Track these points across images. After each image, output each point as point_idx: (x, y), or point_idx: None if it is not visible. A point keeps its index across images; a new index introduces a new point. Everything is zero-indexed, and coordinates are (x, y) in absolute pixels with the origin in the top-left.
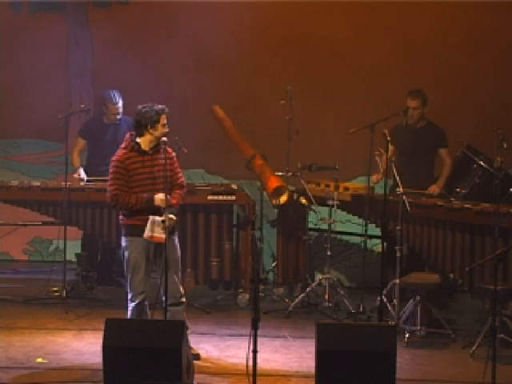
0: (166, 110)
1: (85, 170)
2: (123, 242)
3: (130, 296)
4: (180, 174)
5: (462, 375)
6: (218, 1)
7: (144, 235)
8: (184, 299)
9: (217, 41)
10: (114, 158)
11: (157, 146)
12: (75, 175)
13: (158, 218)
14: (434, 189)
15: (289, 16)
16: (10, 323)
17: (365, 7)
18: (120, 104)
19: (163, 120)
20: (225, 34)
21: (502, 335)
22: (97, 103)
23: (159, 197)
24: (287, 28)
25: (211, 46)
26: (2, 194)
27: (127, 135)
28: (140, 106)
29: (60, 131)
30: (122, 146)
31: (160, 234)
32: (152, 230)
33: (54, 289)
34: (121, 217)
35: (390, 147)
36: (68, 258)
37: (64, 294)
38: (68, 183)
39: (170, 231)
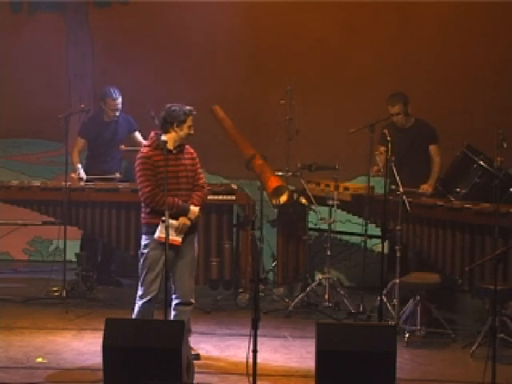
0: (194, 112)
1: (84, 170)
2: (143, 240)
3: (140, 293)
4: (201, 175)
5: (462, 375)
6: (218, 1)
7: (155, 236)
8: (193, 301)
9: (216, 41)
10: (139, 156)
11: (181, 146)
12: (74, 175)
13: (171, 221)
14: (427, 188)
15: (289, 16)
16: (10, 323)
17: (365, 7)
18: (119, 100)
19: (190, 121)
20: (225, 34)
21: (502, 335)
22: (96, 101)
23: (194, 210)
24: (287, 28)
25: (211, 46)
26: (2, 194)
27: (152, 133)
28: (169, 105)
29: (60, 131)
30: (146, 143)
31: (173, 237)
32: (164, 232)
33: (54, 289)
34: (143, 215)
35: (383, 148)
36: (68, 257)
37: (64, 293)
38: (68, 183)
39: (190, 231)
